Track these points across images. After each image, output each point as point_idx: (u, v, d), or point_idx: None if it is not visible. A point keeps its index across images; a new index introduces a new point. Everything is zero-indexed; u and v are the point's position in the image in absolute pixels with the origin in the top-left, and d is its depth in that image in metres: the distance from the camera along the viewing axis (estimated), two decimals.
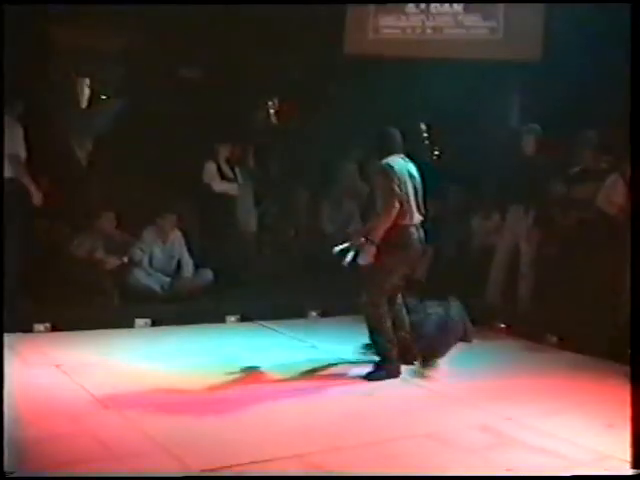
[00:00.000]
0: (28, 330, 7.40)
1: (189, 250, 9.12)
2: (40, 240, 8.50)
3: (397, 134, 6.59)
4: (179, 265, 9.06)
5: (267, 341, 7.56)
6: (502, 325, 8.41)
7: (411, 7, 11.24)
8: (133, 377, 6.11)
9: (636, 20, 4.14)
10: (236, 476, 4.21)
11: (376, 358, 6.46)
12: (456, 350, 6.93)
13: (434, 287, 9.32)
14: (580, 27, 9.05)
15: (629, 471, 4.00)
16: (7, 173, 7.57)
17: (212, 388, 5.94)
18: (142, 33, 10.66)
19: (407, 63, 10.68)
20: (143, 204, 9.73)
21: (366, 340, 6.70)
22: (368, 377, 6.27)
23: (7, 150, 7.53)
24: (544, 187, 8.65)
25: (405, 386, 6.18)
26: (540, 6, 10.56)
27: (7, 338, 5.09)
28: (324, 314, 8.91)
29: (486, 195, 10.11)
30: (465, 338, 7.89)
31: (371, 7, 11.28)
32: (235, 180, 9.82)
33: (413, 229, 6.42)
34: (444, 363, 6.70)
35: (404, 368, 6.44)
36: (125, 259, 8.67)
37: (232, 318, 8.52)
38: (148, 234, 8.93)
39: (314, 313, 8.91)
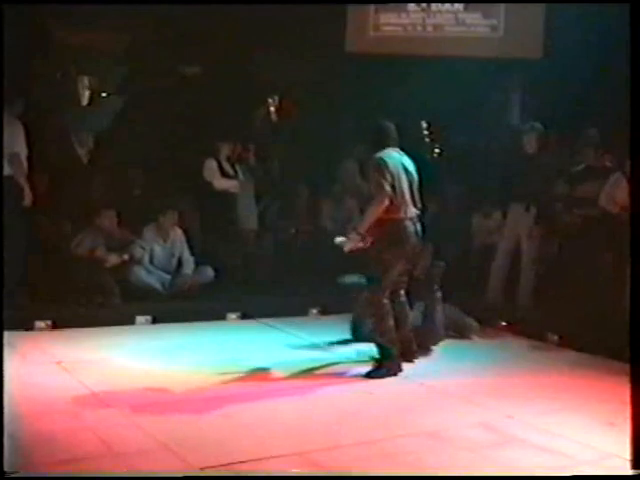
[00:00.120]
0: (29, 327, 7.41)
1: (190, 248, 9.12)
2: (41, 238, 8.50)
3: (392, 128, 6.57)
4: (180, 263, 9.06)
5: (267, 339, 7.56)
6: (503, 323, 8.40)
7: (412, 5, 11.24)
8: (134, 374, 6.12)
9: (636, 20, 4.13)
10: (236, 476, 4.20)
11: (376, 356, 6.47)
12: (457, 347, 6.94)
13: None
14: (581, 24, 9.06)
15: (629, 471, 3.99)
16: (6, 171, 7.57)
17: (212, 386, 5.93)
18: (143, 31, 10.66)
19: (408, 61, 10.67)
20: (144, 202, 9.74)
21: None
22: (369, 375, 6.27)
23: (8, 149, 7.53)
24: (546, 185, 8.65)
25: (406, 384, 6.17)
26: (541, 4, 10.56)
27: (8, 335, 5.08)
28: (324, 312, 8.90)
29: (487, 193, 10.11)
30: (465, 335, 7.93)
31: (372, 5, 11.29)
32: (236, 178, 9.82)
33: (409, 222, 6.40)
34: (444, 361, 6.72)
35: (405, 366, 6.44)
36: (126, 257, 8.67)
37: (233, 316, 8.52)
38: (149, 232, 8.93)
39: (314, 311, 8.91)
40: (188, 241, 9.13)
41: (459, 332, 7.91)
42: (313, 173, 10.90)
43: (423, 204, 6.62)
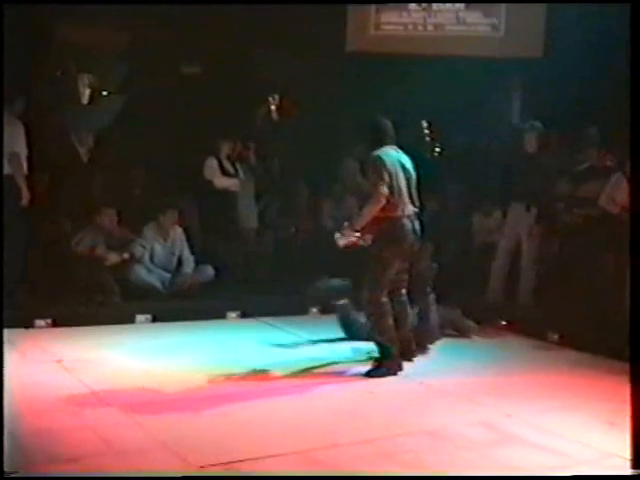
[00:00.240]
0: (29, 326, 7.41)
1: (190, 246, 9.12)
2: (41, 236, 8.50)
3: (389, 125, 6.56)
4: (180, 261, 9.07)
5: (267, 337, 7.55)
6: (503, 322, 8.40)
7: (412, 4, 11.24)
8: (133, 373, 6.12)
9: (636, 20, 4.13)
10: (235, 476, 4.20)
11: (375, 354, 6.47)
12: (457, 346, 6.94)
13: (435, 284, 9.33)
14: (582, 24, 9.05)
15: (629, 471, 3.99)
16: (5, 170, 7.57)
17: (212, 384, 5.94)
18: (143, 30, 10.65)
19: (408, 60, 10.67)
20: (144, 200, 9.74)
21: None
22: (369, 374, 6.27)
23: (7, 148, 7.52)
24: (546, 185, 8.65)
25: (406, 383, 6.17)
26: (541, 3, 10.56)
27: (8, 334, 5.09)
28: (324, 311, 8.90)
29: (488, 192, 10.10)
30: (464, 334, 7.94)
31: (372, 4, 11.28)
32: (236, 176, 9.83)
33: (406, 221, 6.39)
34: (444, 360, 6.72)
35: (405, 365, 6.43)
36: (126, 255, 8.67)
37: (233, 314, 8.53)
38: (149, 230, 8.93)
39: (314, 310, 8.91)
40: (188, 240, 9.14)
41: (457, 331, 7.93)
42: (313, 172, 10.89)
43: (421, 202, 6.61)
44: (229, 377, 6.14)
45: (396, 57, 10.89)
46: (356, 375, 6.29)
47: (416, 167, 6.59)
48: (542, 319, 8.22)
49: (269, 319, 8.34)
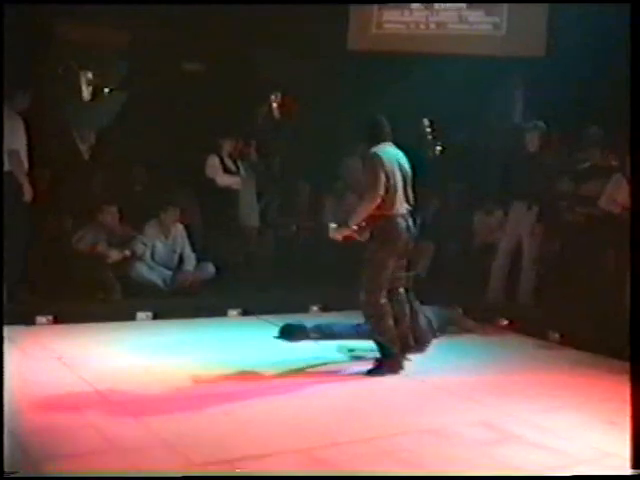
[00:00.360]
0: (30, 322, 7.42)
1: (191, 244, 9.13)
2: (42, 233, 8.50)
3: (386, 122, 6.55)
4: (181, 259, 9.08)
5: (268, 336, 7.53)
6: (504, 321, 8.40)
7: (414, 3, 11.23)
8: (134, 370, 6.12)
9: (636, 20, 4.12)
10: (236, 476, 4.19)
11: (377, 354, 6.47)
12: (458, 345, 6.94)
13: (436, 283, 9.35)
14: (584, 23, 9.03)
15: (629, 471, 3.98)
16: (6, 167, 7.56)
17: (213, 382, 5.94)
18: (145, 27, 10.64)
19: (410, 58, 10.67)
20: (145, 198, 9.74)
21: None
22: (369, 373, 6.27)
23: (7, 145, 7.51)
24: (547, 184, 8.64)
25: (406, 381, 6.17)
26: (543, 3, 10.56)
27: (8, 330, 5.09)
28: (325, 309, 8.91)
29: (489, 191, 10.10)
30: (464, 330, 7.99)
31: (374, 3, 11.29)
32: (238, 174, 9.82)
33: (400, 219, 6.37)
34: (445, 359, 6.73)
35: (406, 363, 6.43)
36: (127, 253, 8.68)
37: (233, 312, 8.54)
38: (150, 228, 8.94)
39: (315, 308, 8.92)
40: (189, 237, 9.15)
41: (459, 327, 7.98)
42: (315, 170, 10.90)
43: (416, 200, 6.60)
44: (230, 375, 6.14)
45: (398, 56, 10.89)
46: (357, 373, 6.30)
47: (412, 164, 6.58)
48: (543, 318, 8.22)
49: (270, 317, 8.33)
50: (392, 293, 6.49)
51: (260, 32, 10.75)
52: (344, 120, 10.87)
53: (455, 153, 11.65)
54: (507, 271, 9.00)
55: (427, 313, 7.57)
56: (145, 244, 8.83)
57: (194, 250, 9.13)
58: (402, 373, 6.31)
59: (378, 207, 6.24)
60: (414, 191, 6.55)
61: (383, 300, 6.34)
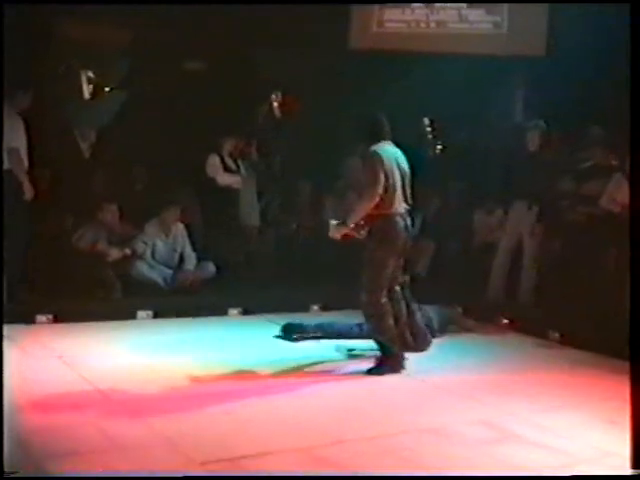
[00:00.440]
0: (30, 321, 7.42)
1: (192, 243, 9.13)
2: (42, 232, 8.50)
3: (385, 120, 6.53)
4: (181, 258, 9.09)
5: (269, 335, 7.55)
6: (505, 320, 8.40)
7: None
8: (135, 368, 6.13)
9: (636, 20, 4.12)
10: (235, 476, 4.20)
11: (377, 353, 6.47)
12: (459, 344, 6.94)
13: (436, 282, 9.36)
14: (585, 22, 9.03)
15: (629, 471, 3.98)
16: (6, 165, 7.56)
17: (213, 381, 5.95)
18: (146, 26, 10.64)
19: (411, 57, 10.66)
20: (146, 197, 9.74)
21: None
22: (370, 372, 6.26)
23: (7, 143, 7.51)
24: (548, 183, 8.64)
25: (407, 380, 6.17)
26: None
27: (8, 329, 5.10)
28: (325, 308, 8.91)
29: (489, 190, 10.10)
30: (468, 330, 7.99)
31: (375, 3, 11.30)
32: (238, 173, 9.82)
33: (399, 218, 6.35)
34: (445, 358, 6.73)
35: (406, 362, 6.43)
36: (128, 251, 8.68)
37: (234, 311, 8.55)
38: (151, 227, 8.94)
39: (315, 307, 8.92)
40: (190, 236, 9.15)
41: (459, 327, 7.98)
42: (315, 169, 10.90)
43: (414, 199, 6.59)
44: (230, 374, 6.15)
45: (399, 55, 10.88)
46: (358, 373, 6.29)
47: (411, 163, 6.57)
48: (543, 318, 8.22)
49: (270, 316, 8.34)
50: (389, 292, 6.49)
51: (261, 31, 10.74)
52: (345, 119, 10.88)
53: (455, 152, 11.65)
54: (507, 270, 9.00)
55: (428, 312, 7.58)
56: (145, 243, 8.83)
57: (195, 249, 9.14)
58: (402, 372, 6.31)
59: (377, 206, 6.22)
60: (412, 190, 6.54)
61: (384, 300, 6.34)
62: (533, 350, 7.53)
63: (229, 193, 9.72)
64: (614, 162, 8.57)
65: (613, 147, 8.64)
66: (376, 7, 11.25)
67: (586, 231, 8.39)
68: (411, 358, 6.51)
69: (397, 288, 6.60)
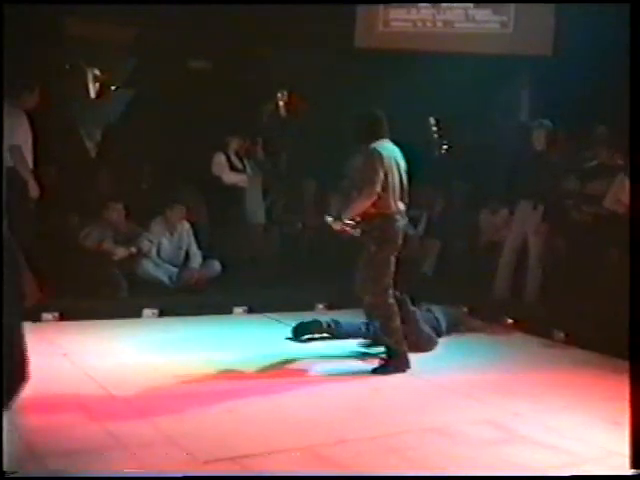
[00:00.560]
0: (36, 319, 7.42)
1: (197, 241, 9.14)
2: (48, 230, 8.52)
3: (384, 118, 6.52)
4: (187, 256, 9.09)
5: (273, 333, 7.55)
6: (509, 320, 8.40)
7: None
8: (140, 367, 6.13)
9: (636, 20, 4.12)
10: (238, 475, 4.20)
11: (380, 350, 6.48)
12: (464, 344, 6.93)
13: (442, 282, 9.36)
14: (591, 21, 9.02)
15: (629, 471, 3.98)
16: (8, 162, 7.55)
17: (218, 379, 5.96)
18: (152, 24, 10.65)
19: (417, 57, 10.66)
20: (151, 195, 9.76)
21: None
22: (375, 372, 6.27)
23: (9, 140, 7.50)
24: (553, 182, 8.63)
25: (412, 380, 6.17)
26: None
27: None
28: (331, 307, 8.91)
29: (495, 190, 10.09)
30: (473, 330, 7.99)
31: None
32: (244, 172, 9.83)
33: (398, 216, 6.37)
34: (450, 358, 6.73)
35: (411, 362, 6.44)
36: (133, 250, 8.69)
37: (239, 310, 8.55)
38: (156, 225, 8.95)
39: (321, 306, 8.91)
40: (195, 235, 9.15)
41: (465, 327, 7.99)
42: (321, 168, 10.90)
43: (410, 198, 6.58)
44: (234, 372, 6.15)
45: (404, 54, 10.88)
46: (363, 372, 6.29)
47: (408, 162, 6.56)
48: (548, 317, 8.21)
49: (275, 315, 8.35)
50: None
51: (266, 30, 10.75)
52: (349, 118, 10.89)
53: (461, 152, 11.65)
54: (513, 269, 8.99)
55: (435, 313, 7.59)
56: (151, 241, 8.84)
57: (200, 247, 9.14)
58: (407, 372, 6.31)
59: (375, 204, 6.21)
60: (409, 189, 6.54)
61: (390, 300, 6.34)
62: (538, 350, 7.52)
63: (235, 192, 9.72)
64: (619, 162, 8.56)
65: (618, 147, 8.63)
66: (382, 7, 11.25)
67: (591, 231, 8.38)
68: (416, 358, 6.52)
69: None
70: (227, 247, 9.37)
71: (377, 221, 6.25)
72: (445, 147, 12.39)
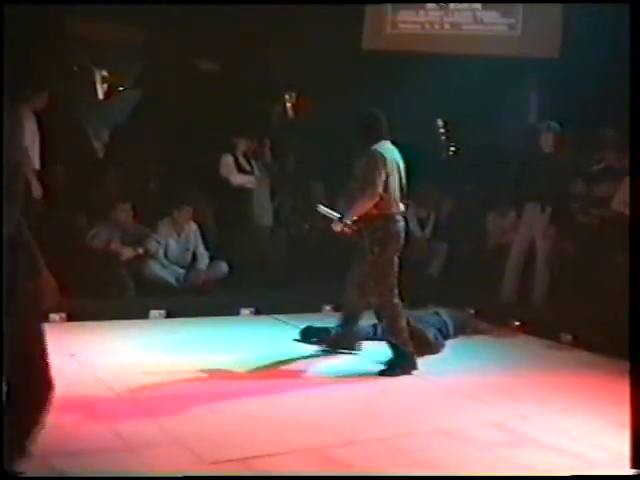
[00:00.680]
0: (43, 320, 7.41)
1: (204, 243, 9.14)
2: (56, 230, 8.52)
3: (383, 117, 6.52)
4: (194, 257, 9.10)
5: (280, 335, 7.56)
6: (517, 323, 8.39)
7: (430, 3, 11.23)
8: (147, 368, 6.13)
9: (636, 20, 4.12)
10: (247, 475, 4.20)
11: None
12: (471, 346, 6.92)
13: (449, 284, 9.35)
14: (598, 23, 9.01)
15: (629, 471, 3.97)
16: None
17: (225, 380, 5.96)
18: (160, 25, 10.67)
19: (425, 59, 10.65)
20: (159, 196, 9.76)
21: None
22: (382, 373, 6.26)
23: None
24: (561, 185, 8.62)
25: (419, 382, 6.17)
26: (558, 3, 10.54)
27: None
28: (338, 308, 8.89)
29: (502, 192, 10.08)
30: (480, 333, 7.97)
31: (389, 3, 11.28)
32: (252, 173, 9.83)
33: (399, 217, 6.41)
34: (457, 360, 6.73)
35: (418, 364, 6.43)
36: (140, 250, 8.70)
37: (246, 311, 8.56)
38: (164, 226, 8.96)
39: (328, 307, 8.91)
40: (203, 236, 9.16)
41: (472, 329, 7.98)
42: (329, 170, 10.90)
43: (408, 199, 6.60)
44: (242, 374, 6.16)
45: (412, 56, 10.88)
46: (370, 374, 6.29)
47: (408, 162, 6.57)
48: (555, 320, 8.20)
49: (282, 316, 8.35)
50: None
51: (275, 32, 10.76)
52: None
53: (469, 154, 11.64)
54: (520, 271, 8.98)
55: (443, 315, 7.59)
56: (158, 242, 8.85)
57: (207, 249, 9.15)
58: (415, 373, 6.31)
59: (377, 206, 6.25)
60: (408, 190, 6.56)
61: (396, 300, 6.35)
62: (545, 353, 7.52)
63: (242, 193, 9.72)
64: (627, 164, 8.53)
65: (626, 149, 8.60)
66: (390, 9, 11.24)
67: (598, 233, 8.36)
68: (423, 360, 6.52)
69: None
70: (234, 248, 9.37)
71: (379, 222, 6.28)
72: (453, 149, 12.38)
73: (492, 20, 11.05)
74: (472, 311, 8.66)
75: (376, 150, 6.31)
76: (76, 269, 8.28)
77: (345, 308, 6.95)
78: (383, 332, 6.64)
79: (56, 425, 4.65)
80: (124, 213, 8.83)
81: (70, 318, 7.61)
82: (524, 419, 5.31)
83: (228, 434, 4.73)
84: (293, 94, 12.16)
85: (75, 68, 10.95)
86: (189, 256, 9.08)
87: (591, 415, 5.45)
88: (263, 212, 10.02)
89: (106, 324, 7.56)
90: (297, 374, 6.27)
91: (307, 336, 7.28)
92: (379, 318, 6.61)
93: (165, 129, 10.35)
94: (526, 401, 5.73)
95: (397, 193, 6.39)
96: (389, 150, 6.40)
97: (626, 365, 6.34)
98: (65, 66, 10.58)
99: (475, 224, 10.22)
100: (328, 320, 8.04)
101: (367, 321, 7.15)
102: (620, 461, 4.50)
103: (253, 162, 9.92)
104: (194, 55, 11.44)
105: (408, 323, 6.59)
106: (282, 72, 11.64)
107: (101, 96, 11.28)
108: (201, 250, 9.10)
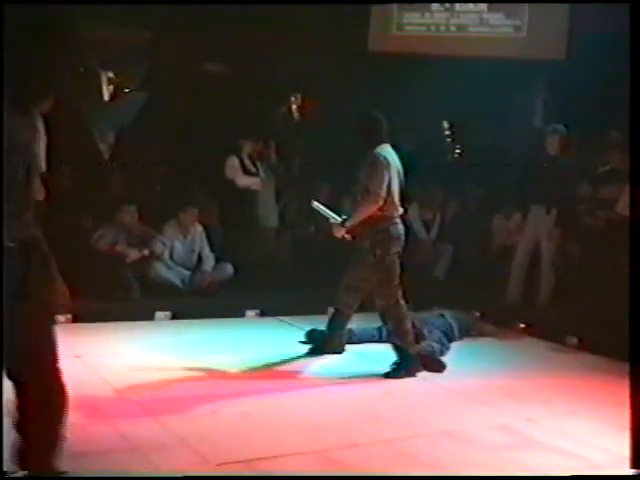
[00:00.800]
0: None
1: (210, 244, 9.15)
2: (61, 232, 8.53)
3: (383, 119, 6.53)
4: (199, 259, 9.10)
5: (286, 337, 7.55)
6: (522, 325, 8.38)
7: (435, 4, 11.24)
8: (153, 369, 6.13)
9: (636, 20, 4.12)
10: (251, 476, 4.21)
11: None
12: (476, 349, 6.91)
13: (455, 286, 9.35)
14: (604, 25, 9.00)
15: (629, 471, 3.97)
16: None
17: (230, 382, 5.97)
18: (166, 27, 10.68)
19: (430, 60, 10.65)
20: (165, 198, 9.77)
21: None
22: (387, 376, 6.26)
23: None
24: (567, 187, 8.61)
25: (424, 384, 6.17)
26: (564, 4, 10.53)
27: None
28: None
29: (508, 194, 10.08)
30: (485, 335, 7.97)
31: (395, 4, 11.28)
32: (257, 175, 9.83)
33: (399, 219, 6.43)
34: (462, 362, 6.72)
35: None
36: (146, 252, 8.70)
37: (251, 313, 8.55)
38: (169, 228, 8.96)
39: (332, 309, 8.89)
40: (208, 238, 9.16)
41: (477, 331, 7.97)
42: (334, 171, 10.89)
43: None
44: (247, 375, 6.16)
45: (418, 57, 10.88)
46: (375, 376, 6.29)
47: (412, 165, 6.59)
48: (561, 322, 8.19)
49: (288, 318, 8.35)
50: None
51: (280, 33, 10.77)
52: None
53: (474, 156, 11.63)
54: (525, 273, 8.97)
55: (448, 318, 7.58)
56: (164, 244, 8.85)
57: (212, 250, 9.15)
58: (419, 375, 6.31)
59: (379, 208, 6.28)
60: (407, 193, 6.59)
61: (401, 302, 6.36)
62: (550, 355, 7.51)
63: (247, 195, 9.71)
64: None
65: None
66: (396, 10, 11.25)
67: (604, 236, 8.35)
68: None
69: None
70: (240, 250, 9.37)
71: (382, 224, 6.29)
72: (458, 151, 12.37)
73: (498, 22, 11.06)
74: (477, 313, 8.65)
75: (379, 154, 6.33)
76: (82, 271, 8.28)
77: (336, 310, 6.94)
78: (388, 334, 6.64)
79: None
80: (130, 215, 8.83)
81: (76, 319, 7.61)
82: (529, 422, 5.31)
83: (234, 436, 4.74)
84: (299, 96, 12.16)
85: (81, 70, 10.96)
86: (194, 258, 9.08)
87: (596, 418, 5.44)
88: (268, 214, 10.01)
89: (111, 325, 7.56)
90: (302, 376, 6.28)
91: (312, 338, 7.27)
92: (384, 320, 6.60)
93: (171, 131, 10.36)
94: (531, 404, 5.73)
95: (398, 196, 6.40)
96: (390, 153, 6.42)
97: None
98: (71, 67, 10.58)
99: (480, 226, 10.21)
100: None
101: (372, 324, 7.16)
102: (624, 463, 4.50)
103: (258, 164, 9.92)
104: (200, 57, 11.45)
105: (413, 325, 6.60)
106: (288, 74, 11.64)
107: (107, 98, 11.30)
108: (206, 252, 9.10)
